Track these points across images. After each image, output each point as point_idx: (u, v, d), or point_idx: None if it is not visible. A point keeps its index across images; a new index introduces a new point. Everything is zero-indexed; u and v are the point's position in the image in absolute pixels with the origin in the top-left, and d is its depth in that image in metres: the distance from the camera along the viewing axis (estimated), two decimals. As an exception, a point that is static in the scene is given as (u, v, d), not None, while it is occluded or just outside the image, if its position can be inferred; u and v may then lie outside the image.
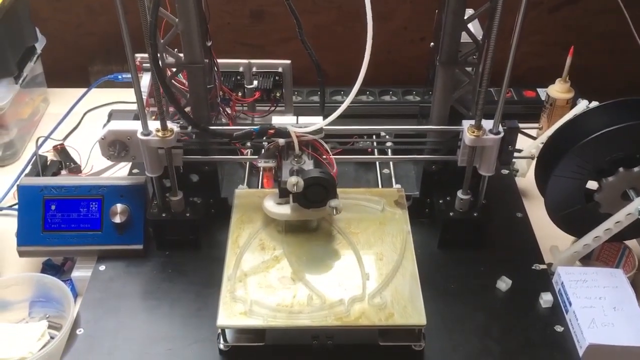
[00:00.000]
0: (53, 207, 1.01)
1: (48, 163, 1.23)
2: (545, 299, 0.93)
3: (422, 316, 0.82)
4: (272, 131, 0.90)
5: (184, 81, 1.00)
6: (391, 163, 1.16)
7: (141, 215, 1.01)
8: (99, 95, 1.37)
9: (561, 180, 0.96)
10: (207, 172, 1.02)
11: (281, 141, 0.91)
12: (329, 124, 0.88)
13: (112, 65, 1.55)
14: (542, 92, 1.39)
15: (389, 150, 1.13)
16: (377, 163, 1.15)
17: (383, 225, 0.94)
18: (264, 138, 0.91)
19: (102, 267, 1.00)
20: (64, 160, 1.24)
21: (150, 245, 1.03)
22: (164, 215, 0.99)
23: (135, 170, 1.18)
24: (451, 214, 1.00)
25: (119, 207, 1.00)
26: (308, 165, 0.90)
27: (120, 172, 1.22)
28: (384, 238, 0.92)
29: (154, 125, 0.92)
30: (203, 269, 1.00)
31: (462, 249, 1.01)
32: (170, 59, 0.93)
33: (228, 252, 0.90)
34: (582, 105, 1.12)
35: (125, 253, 1.01)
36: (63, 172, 1.21)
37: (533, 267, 0.99)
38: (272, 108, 1.23)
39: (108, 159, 0.96)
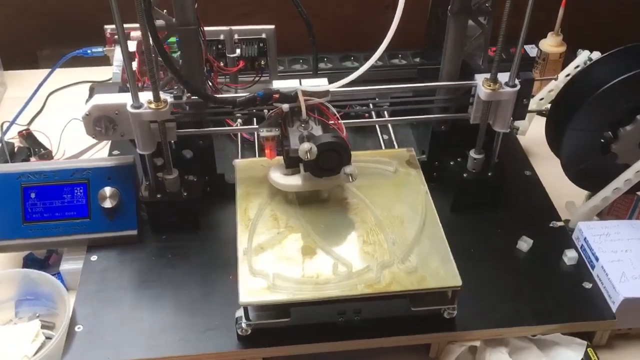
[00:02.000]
0: (33, 195, 0.91)
1: (15, 150, 1.13)
2: (570, 256, 0.90)
3: (456, 277, 0.77)
4: (277, 95, 0.83)
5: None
6: (390, 127, 1.11)
7: (132, 197, 0.93)
8: (60, 76, 1.26)
9: (577, 134, 0.92)
10: (202, 147, 0.94)
11: (285, 107, 0.84)
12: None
13: (62, 48, 1.43)
14: (529, 49, 1.36)
15: (386, 113, 1.07)
16: (378, 128, 1.10)
17: (399, 187, 0.89)
18: (266, 104, 0.84)
19: (93, 258, 0.91)
20: (32, 147, 1.14)
21: (145, 230, 0.94)
22: (158, 196, 0.91)
23: (115, 152, 1.09)
24: (465, 175, 0.95)
25: (108, 190, 0.92)
26: (317, 130, 0.84)
27: (96, 156, 1.13)
28: (402, 200, 0.87)
29: (145, 96, 0.83)
30: (205, 251, 0.92)
31: (477, 212, 0.97)
32: (160, 22, 0.84)
33: (239, 226, 0.83)
34: (584, 56, 1.09)
35: (118, 240, 0.92)
36: (32, 159, 1.11)
37: (550, 225, 0.96)
38: (257, 78, 1.16)
39: (94, 137, 0.87)
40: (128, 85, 0.83)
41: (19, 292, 0.87)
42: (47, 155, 1.13)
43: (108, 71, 1.29)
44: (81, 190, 0.92)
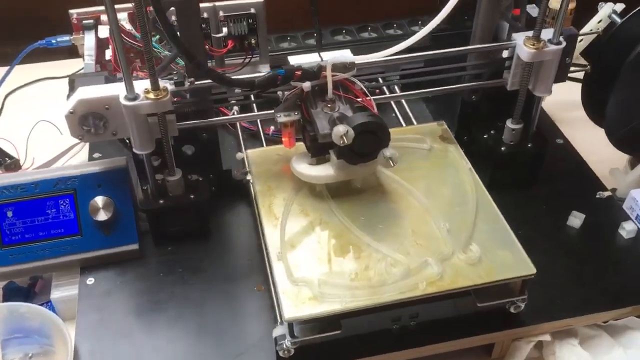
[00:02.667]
0: (10, 214, 0.76)
1: (-24, 162, 0.97)
2: (628, 229, 0.81)
3: (528, 264, 0.67)
4: (299, 72, 0.70)
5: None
6: (405, 103, 1.00)
7: (129, 206, 0.79)
8: (17, 74, 1.11)
9: (622, 94, 0.83)
10: (205, 140, 0.81)
11: (306, 85, 0.72)
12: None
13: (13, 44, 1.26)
14: (530, 10, 1.27)
15: (397, 87, 0.97)
16: (394, 104, 0.98)
17: (438, 166, 0.79)
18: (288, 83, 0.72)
19: (90, 280, 0.77)
20: (-5, 156, 0.98)
21: (146, 242, 0.81)
22: (161, 201, 0.78)
23: (96, 154, 0.94)
24: (502, 148, 0.85)
25: (100, 200, 0.78)
26: (346, 110, 0.72)
27: (73, 162, 0.98)
28: (445, 181, 0.77)
29: (140, 86, 0.70)
30: (220, 259, 0.80)
31: (516, 188, 0.87)
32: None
33: (266, 226, 0.71)
34: (607, 9, 1.00)
35: (116, 257, 0.79)
36: (-3, 171, 0.96)
37: (597, 196, 0.87)
38: (247, 59, 1.03)
39: (80, 139, 0.73)
40: (118, 73, 0.70)
41: (5, 330, 0.73)
42: (15, 165, 0.98)
43: (74, 64, 1.15)
44: (67, 203, 0.78)
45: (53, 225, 0.77)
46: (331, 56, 0.73)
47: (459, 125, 0.89)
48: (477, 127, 0.88)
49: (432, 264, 0.66)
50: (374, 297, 0.64)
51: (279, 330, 0.67)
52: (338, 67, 0.72)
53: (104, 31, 0.98)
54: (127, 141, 0.79)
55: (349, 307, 0.63)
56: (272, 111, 0.76)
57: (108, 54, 0.99)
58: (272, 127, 0.97)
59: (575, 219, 0.83)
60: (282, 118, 0.74)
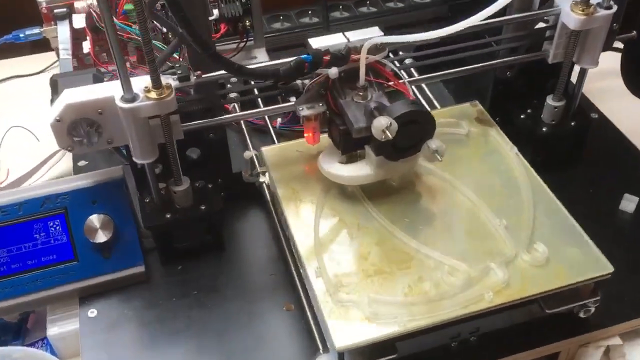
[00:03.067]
0: (-9, 242, 0.65)
1: (-58, 180, 0.85)
2: (689, 210, 0.74)
3: (603, 262, 0.59)
4: (327, 57, 0.60)
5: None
6: (424, 85, 0.90)
7: (130, 223, 0.69)
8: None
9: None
10: (212, 141, 0.71)
11: (333, 72, 0.61)
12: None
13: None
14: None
15: (412, 69, 0.87)
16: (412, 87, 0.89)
17: (479, 152, 0.70)
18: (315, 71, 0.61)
19: (92, 312, 0.67)
20: (-37, 172, 0.87)
21: (151, 263, 0.71)
22: (167, 215, 0.67)
23: (82, 163, 0.83)
24: (544, 129, 0.77)
25: (97, 219, 0.67)
26: (381, 99, 0.62)
27: (51, 173, 0.87)
28: (491, 169, 0.68)
29: (138, 84, 0.59)
30: (238, 277, 0.70)
31: (559, 171, 0.78)
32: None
33: (296, 235, 0.62)
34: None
35: (120, 283, 0.68)
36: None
37: (646, 175, 0.80)
38: (242, 43, 0.93)
39: (70, 150, 0.61)
40: (107, 68, 0.59)
41: (-3, 378, 0.63)
42: (-13, 180, 0.86)
43: (46, 59, 1.03)
44: (58, 225, 0.67)
45: (43, 252, 0.66)
46: (358, 36, 0.63)
47: (490, 106, 0.80)
48: (512, 106, 0.79)
49: (496, 269, 0.58)
50: (434, 314, 0.55)
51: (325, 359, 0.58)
52: (369, 49, 0.62)
53: (79, 21, 0.86)
54: (124, 150, 0.69)
55: (409, 328, 0.54)
56: (290, 103, 0.66)
57: (86, 46, 0.87)
58: (279, 119, 0.87)
59: (629, 203, 0.75)
60: (305, 111, 0.64)
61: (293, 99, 0.78)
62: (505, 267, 0.58)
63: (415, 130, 0.60)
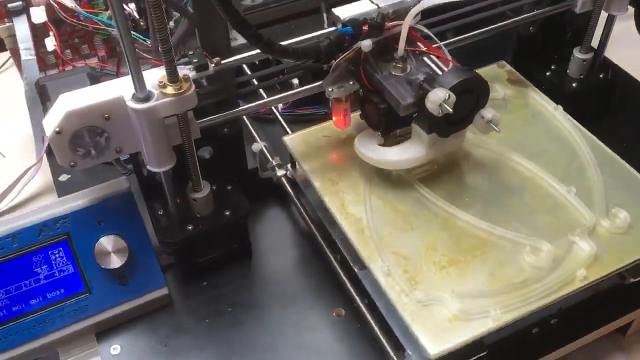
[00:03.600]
0: (-15, 285, 0.55)
1: None
2: None
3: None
4: (366, 28, 0.53)
5: None
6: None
7: (145, 241, 0.60)
8: None
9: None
10: (228, 137, 0.62)
11: (366, 45, 0.54)
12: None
13: None
14: None
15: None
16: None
17: (522, 116, 0.65)
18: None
19: (115, 349, 0.58)
20: None
21: (173, 283, 0.62)
22: (189, 227, 0.59)
23: (63, 177, 0.72)
24: (573, 84, 0.72)
25: (107, 241, 0.57)
26: (422, 69, 0.55)
27: (32, 187, 0.76)
28: (540, 132, 0.63)
29: (149, 79, 0.49)
30: (274, 286, 0.62)
31: (591, 127, 0.74)
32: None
33: (349, 232, 0.55)
34: None
35: (141, 310, 0.59)
36: None
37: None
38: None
39: (73, 166, 0.52)
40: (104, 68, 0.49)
41: None
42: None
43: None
44: (62, 253, 0.57)
45: (48, 287, 0.57)
46: (385, 1, 0.55)
47: (515, 62, 0.74)
48: (535, 64, 0.74)
49: (580, 242, 0.52)
50: (527, 301, 0.49)
51: (405, 367, 0.52)
52: (400, 14, 0.55)
53: (38, 15, 0.75)
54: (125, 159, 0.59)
55: (504, 321, 0.48)
56: (317, 83, 0.58)
57: (49, 43, 0.76)
58: (280, 105, 0.78)
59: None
60: (335, 92, 0.57)
61: (295, 81, 0.71)
62: (588, 238, 0.53)
63: (468, 101, 0.54)
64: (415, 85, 0.53)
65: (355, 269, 0.55)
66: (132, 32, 0.72)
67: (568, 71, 0.72)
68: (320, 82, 0.58)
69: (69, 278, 0.57)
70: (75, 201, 0.58)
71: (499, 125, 0.55)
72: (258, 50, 0.53)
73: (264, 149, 0.70)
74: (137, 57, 0.47)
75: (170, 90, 0.49)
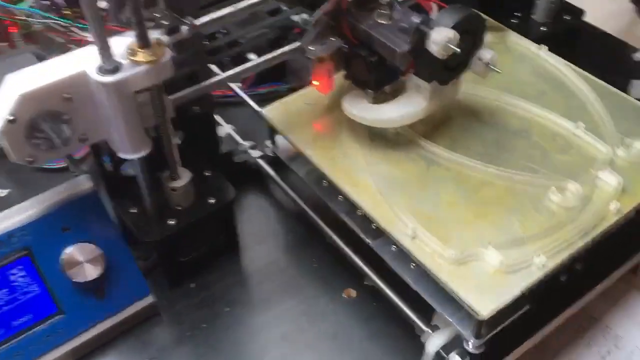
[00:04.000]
0: None
1: None
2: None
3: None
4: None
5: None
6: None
7: (121, 245, 0.51)
8: None
9: None
10: (198, 117, 0.55)
11: (349, -10, 0.49)
12: None
13: None
14: None
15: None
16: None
17: (508, 60, 0.61)
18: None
19: (102, 374, 0.49)
20: None
21: (157, 289, 0.54)
22: (171, 222, 0.51)
23: (2, 193, 0.62)
24: (542, 28, 0.70)
25: (78, 250, 0.49)
26: (410, 16, 0.50)
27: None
28: (530, 74, 0.60)
29: (115, 47, 0.42)
30: (274, 276, 0.56)
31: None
32: None
33: (362, 202, 0.49)
34: None
35: (126, 325, 0.51)
36: None
37: (635, 59, 0.76)
38: None
39: (30, 162, 0.43)
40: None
41: None
42: None
43: None
44: (23, 272, 0.48)
45: (13, 314, 0.48)
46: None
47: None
48: (499, 13, 0.71)
49: (603, 175, 0.49)
50: (569, 242, 0.46)
51: (439, 340, 0.47)
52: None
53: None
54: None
55: (550, 268, 0.44)
56: (293, 46, 0.52)
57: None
58: (239, 84, 0.72)
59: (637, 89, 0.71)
60: (317, 50, 0.51)
61: (252, 56, 0.65)
62: (612, 170, 0.50)
63: (466, 42, 0.49)
64: (411, 30, 0.48)
65: (369, 241, 0.50)
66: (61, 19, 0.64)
67: (534, 16, 0.70)
68: (292, 47, 0.53)
69: (36, 300, 0.48)
70: (32, 209, 0.49)
71: (497, 65, 0.51)
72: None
73: (232, 132, 0.64)
74: (101, 17, 0.40)
75: (142, 57, 0.42)
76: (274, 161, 0.60)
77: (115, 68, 0.42)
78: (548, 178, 0.50)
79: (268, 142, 0.59)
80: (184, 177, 0.51)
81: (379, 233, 0.50)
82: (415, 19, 0.49)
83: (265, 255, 0.57)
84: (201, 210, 0.52)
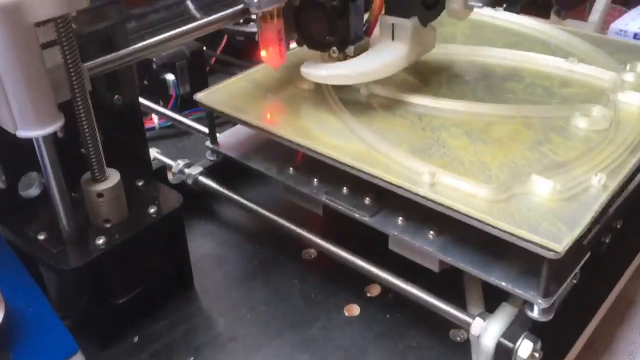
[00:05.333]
0: None
1: None
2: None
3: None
4: None
5: None
6: None
7: (30, 284, 0.36)
8: None
9: None
10: (121, 110, 0.42)
11: None
12: None
13: None
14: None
15: None
16: None
17: (464, 28, 0.55)
18: None
19: None
20: None
21: (84, 346, 0.38)
22: (99, 242, 0.37)
23: None
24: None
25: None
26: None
27: None
28: (491, 36, 0.54)
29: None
30: (248, 308, 0.42)
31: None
32: None
33: (360, 164, 0.38)
34: None
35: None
36: None
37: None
38: None
39: None
40: None
41: None
42: None
43: None
44: None
45: None
46: None
47: None
48: None
49: (623, 97, 0.43)
50: (621, 159, 0.37)
51: (497, 326, 0.35)
52: None
53: None
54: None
55: (614, 185, 0.35)
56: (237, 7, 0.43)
57: None
58: (156, 119, 0.60)
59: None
60: (264, 3, 0.41)
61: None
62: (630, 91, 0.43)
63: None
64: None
65: (366, 219, 0.38)
66: None
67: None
68: (234, 9, 0.43)
69: None
70: None
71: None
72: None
73: (158, 155, 0.51)
74: None
75: (43, -27, 0.30)
76: (219, 174, 0.48)
77: (8, -8, 0.30)
78: (565, 107, 0.42)
79: (207, 143, 0.47)
80: (112, 178, 0.38)
81: (377, 205, 0.39)
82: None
83: (229, 285, 0.43)
84: (139, 223, 0.38)
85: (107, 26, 0.38)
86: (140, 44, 0.40)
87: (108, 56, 0.38)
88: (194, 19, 0.68)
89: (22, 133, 0.33)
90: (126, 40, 0.40)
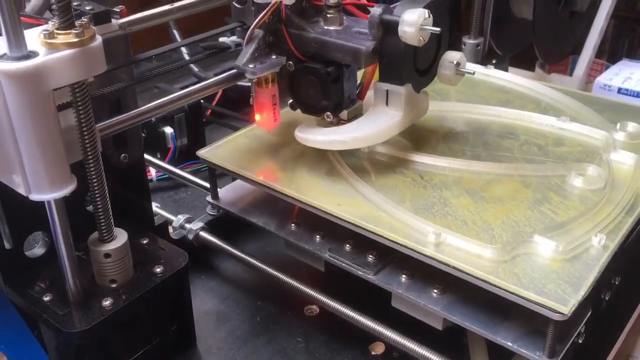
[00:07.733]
0: None
1: None
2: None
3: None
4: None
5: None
6: None
7: (34, 346, 0.36)
8: None
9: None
10: (127, 168, 0.43)
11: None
12: None
13: None
14: None
15: None
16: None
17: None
18: None
19: None
20: None
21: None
22: (106, 303, 0.37)
23: None
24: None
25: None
26: (357, 22, 0.45)
27: None
28: (481, 91, 0.56)
29: (33, 35, 0.31)
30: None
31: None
32: None
33: (364, 223, 0.39)
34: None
35: None
36: None
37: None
38: None
39: None
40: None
41: None
42: None
43: None
44: None
45: None
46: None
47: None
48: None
49: (616, 156, 0.44)
50: (619, 219, 0.39)
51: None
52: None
53: None
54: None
55: (614, 244, 0.36)
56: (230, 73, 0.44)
57: None
58: (153, 172, 0.61)
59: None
60: (256, 69, 0.42)
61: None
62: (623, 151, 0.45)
63: (432, 41, 0.44)
64: (374, 23, 0.42)
65: (370, 276, 0.39)
66: None
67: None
68: (230, 74, 0.44)
69: None
70: None
71: (465, 66, 0.46)
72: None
73: (158, 210, 0.52)
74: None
75: (63, 39, 0.31)
76: (220, 229, 0.48)
77: (27, 55, 0.30)
78: (560, 166, 0.43)
79: (208, 199, 0.48)
80: (120, 238, 0.38)
81: (380, 262, 0.39)
82: (375, 10, 0.43)
83: (232, 344, 0.43)
84: (145, 283, 0.38)
85: (118, 88, 0.39)
86: (149, 105, 0.41)
87: (119, 117, 0.39)
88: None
89: (35, 196, 0.33)
90: (135, 101, 0.41)
